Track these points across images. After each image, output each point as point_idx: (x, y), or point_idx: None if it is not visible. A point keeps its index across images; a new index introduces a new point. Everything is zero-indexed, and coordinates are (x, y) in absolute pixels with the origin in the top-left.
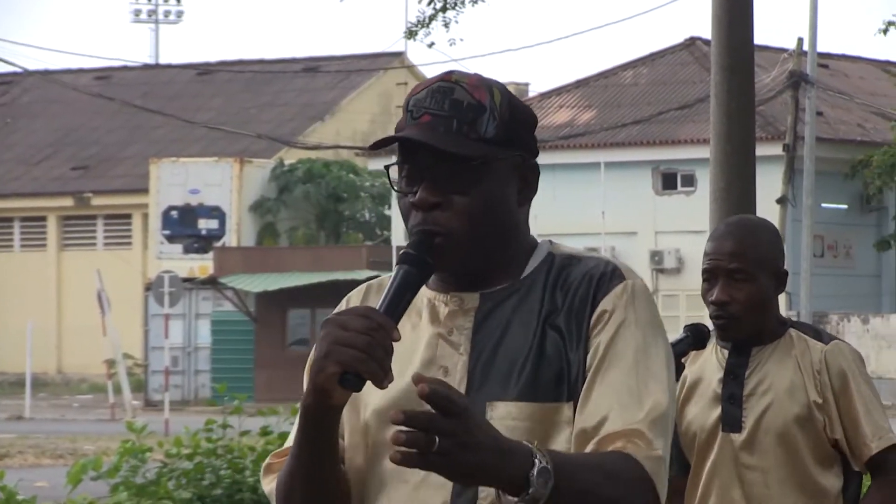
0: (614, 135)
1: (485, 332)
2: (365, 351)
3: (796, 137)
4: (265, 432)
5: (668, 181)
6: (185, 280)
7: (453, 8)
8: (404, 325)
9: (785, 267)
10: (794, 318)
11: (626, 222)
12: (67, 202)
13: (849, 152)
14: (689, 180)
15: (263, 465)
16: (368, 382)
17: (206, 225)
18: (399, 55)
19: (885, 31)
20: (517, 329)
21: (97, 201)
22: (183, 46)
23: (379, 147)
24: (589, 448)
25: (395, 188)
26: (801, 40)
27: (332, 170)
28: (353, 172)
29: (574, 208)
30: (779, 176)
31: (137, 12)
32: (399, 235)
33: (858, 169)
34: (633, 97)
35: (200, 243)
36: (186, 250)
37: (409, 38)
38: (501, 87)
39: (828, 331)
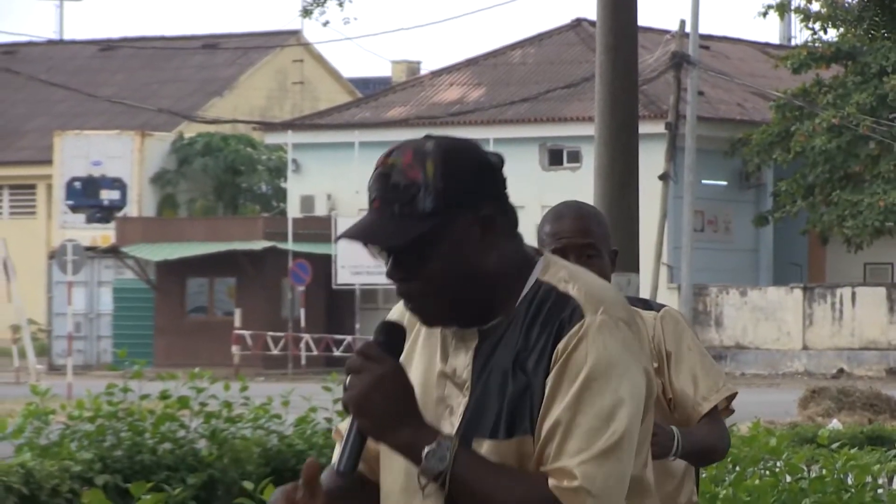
0: (503, 112)
1: (481, 370)
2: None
3: (678, 116)
4: (164, 396)
5: (555, 157)
6: (88, 249)
7: None
8: (424, 351)
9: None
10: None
11: (514, 196)
12: None
13: (728, 131)
14: (575, 156)
15: (333, 431)
16: None
17: (108, 196)
18: (295, 33)
19: (765, 15)
20: (500, 367)
21: (2, 172)
22: (87, 23)
23: (338, 240)
24: None
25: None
26: (683, 22)
27: (230, 143)
28: (251, 146)
29: None
30: (661, 153)
31: None
32: (294, 207)
33: (738, 147)
34: (521, 76)
35: (102, 213)
36: (89, 220)
37: (305, 17)
38: (436, 154)
39: (707, 303)
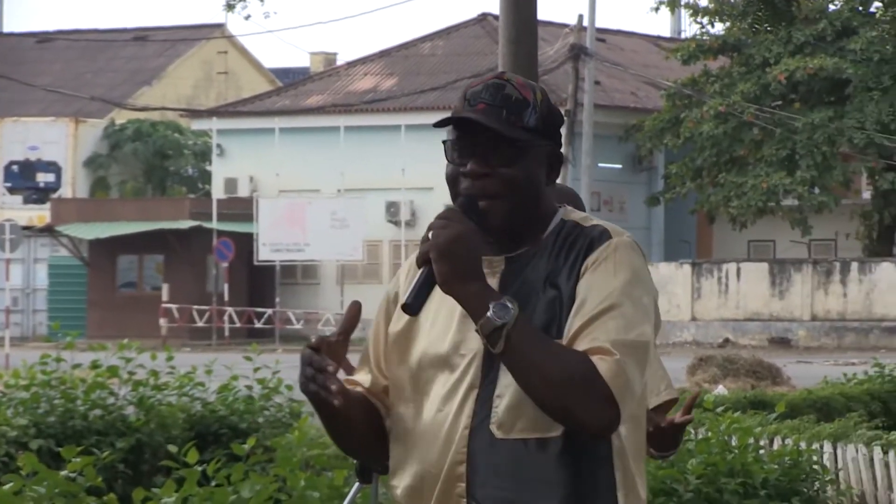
0: (414, 100)
1: (508, 290)
2: (308, 386)
3: (576, 104)
4: (95, 366)
5: None
6: (25, 228)
7: None
8: None
9: None
10: None
11: (424, 179)
12: None
13: (623, 118)
14: None
15: (343, 381)
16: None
17: (44, 178)
18: (220, 26)
19: (657, 9)
20: (529, 285)
21: None
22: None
23: (443, 125)
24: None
25: (449, 159)
26: (581, 17)
27: (159, 129)
28: (178, 132)
29: (378, 166)
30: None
31: None
32: (218, 189)
33: (631, 133)
34: (430, 67)
35: (39, 195)
36: (26, 201)
37: (229, 11)
38: (542, 90)
39: None
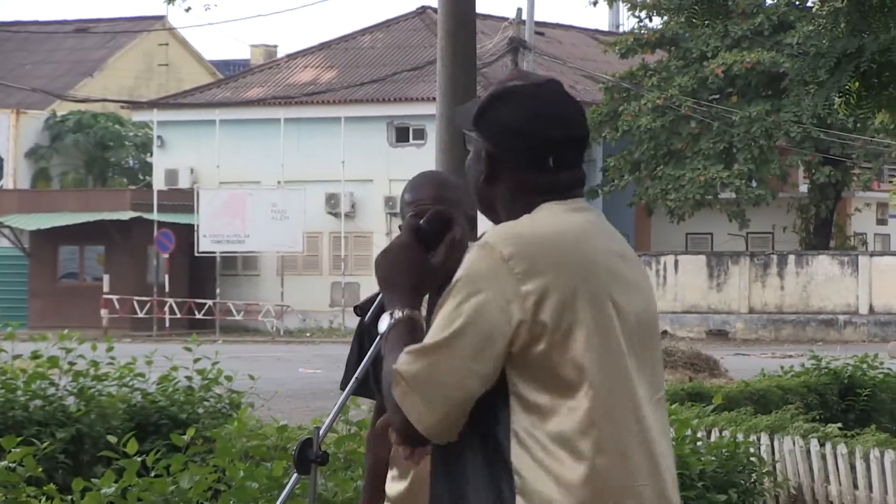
0: (353, 92)
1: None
2: None
3: None
4: (35, 356)
5: (402, 134)
6: None
7: None
8: None
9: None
10: None
11: (363, 171)
12: None
13: None
14: (420, 134)
15: None
16: None
17: None
18: (160, 18)
19: (595, 3)
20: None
21: None
22: None
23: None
24: None
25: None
26: (520, 10)
27: (100, 121)
28: (119, 123)
29: (317, 158)
30: None
31: None
32: (159, 180)
33: None
34: (370, 59)
35: None
36: None
37: (169, 3)
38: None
39: None
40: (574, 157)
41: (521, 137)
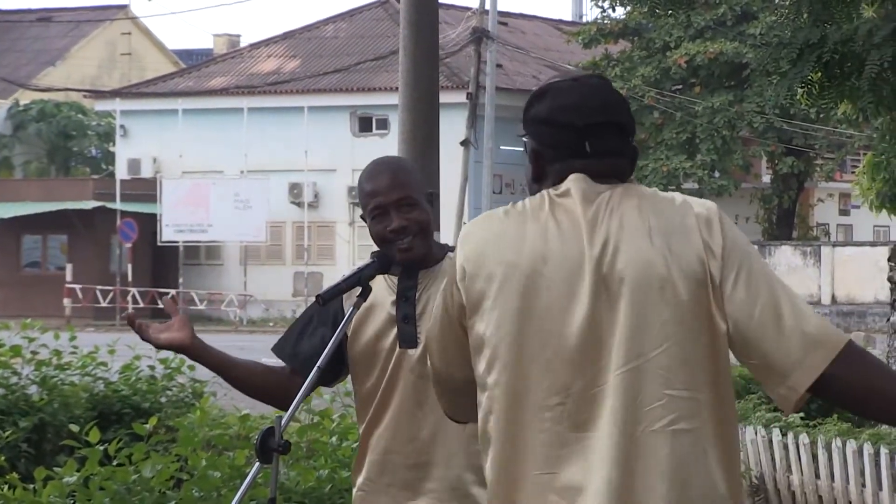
0: (316, 82)
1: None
2: None
3: (479, 87)
4: None
5: (364, 124)
6: None
7: None
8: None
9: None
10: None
11: (326, 160)
12: None
13: (525, 101)
14: (383, 123)
15: None
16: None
17: None
18: (124, 8)
19: None
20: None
21: None
22: None
23: None
24: None
25: None
26: (483, 0)
27: (63, 110)
28: (82, 113)
29: (280, 148)
30: (463, 121)
31: None
32: (122, 170)
33: None
34: (333, 49)
35: None
36: None
37: None
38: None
39: None
40: (614, 143)
41: (549, 126)
